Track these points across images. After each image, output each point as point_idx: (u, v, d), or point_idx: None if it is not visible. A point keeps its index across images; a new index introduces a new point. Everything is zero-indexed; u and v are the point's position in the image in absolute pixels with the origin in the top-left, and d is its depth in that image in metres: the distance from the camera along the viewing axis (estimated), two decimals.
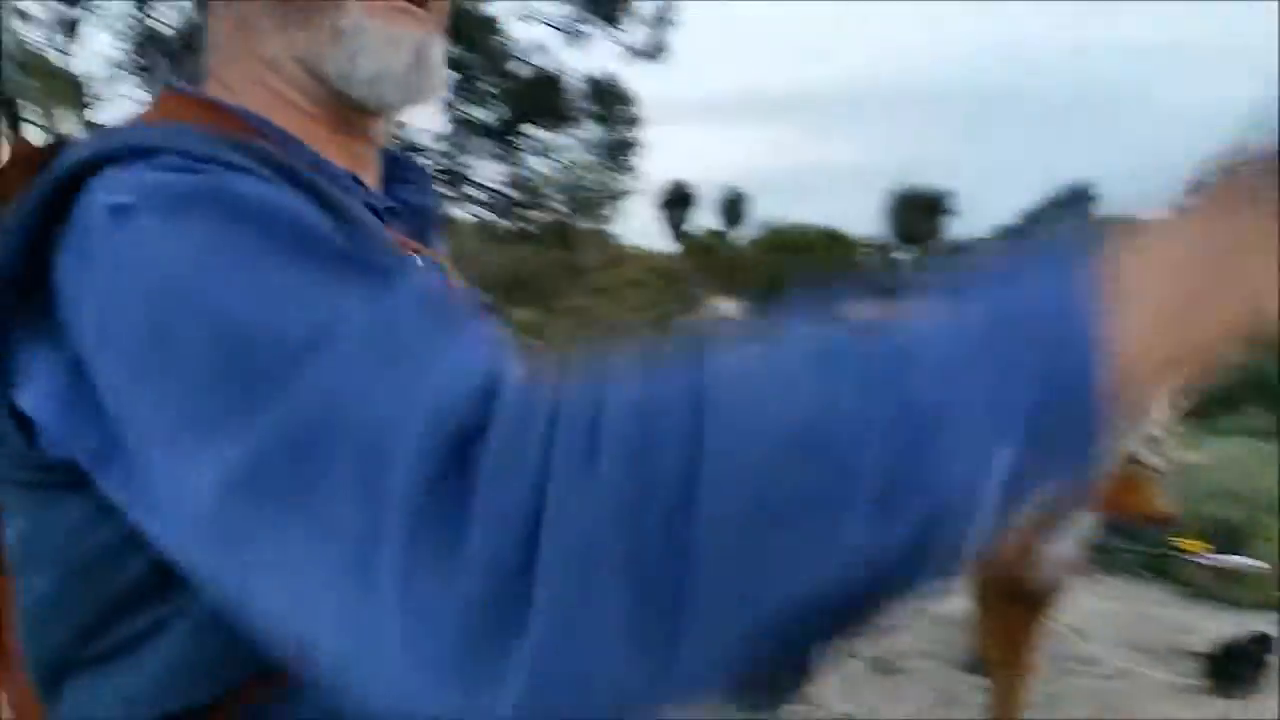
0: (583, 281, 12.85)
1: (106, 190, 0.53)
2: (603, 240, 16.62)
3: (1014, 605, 3.57)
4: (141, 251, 0.50)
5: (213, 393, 0.46)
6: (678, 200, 39.10)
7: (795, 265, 21.66)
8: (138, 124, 0.64)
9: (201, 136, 0.57)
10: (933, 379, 0.38)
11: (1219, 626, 4.44)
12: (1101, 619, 4.70)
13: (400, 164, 0.76)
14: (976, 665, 4.13)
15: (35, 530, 0.58)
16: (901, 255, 34.48)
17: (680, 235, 39.22)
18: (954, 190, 34.75)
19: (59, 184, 0.54)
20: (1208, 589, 4.90)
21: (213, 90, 0.67)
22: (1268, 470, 6.10)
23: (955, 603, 4.72)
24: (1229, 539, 5.04)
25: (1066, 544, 3.42)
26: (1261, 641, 3.95)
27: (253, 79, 0.67)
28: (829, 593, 0.38)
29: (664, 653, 0.38)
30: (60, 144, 0.59)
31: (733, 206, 39.22)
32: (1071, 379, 0.37)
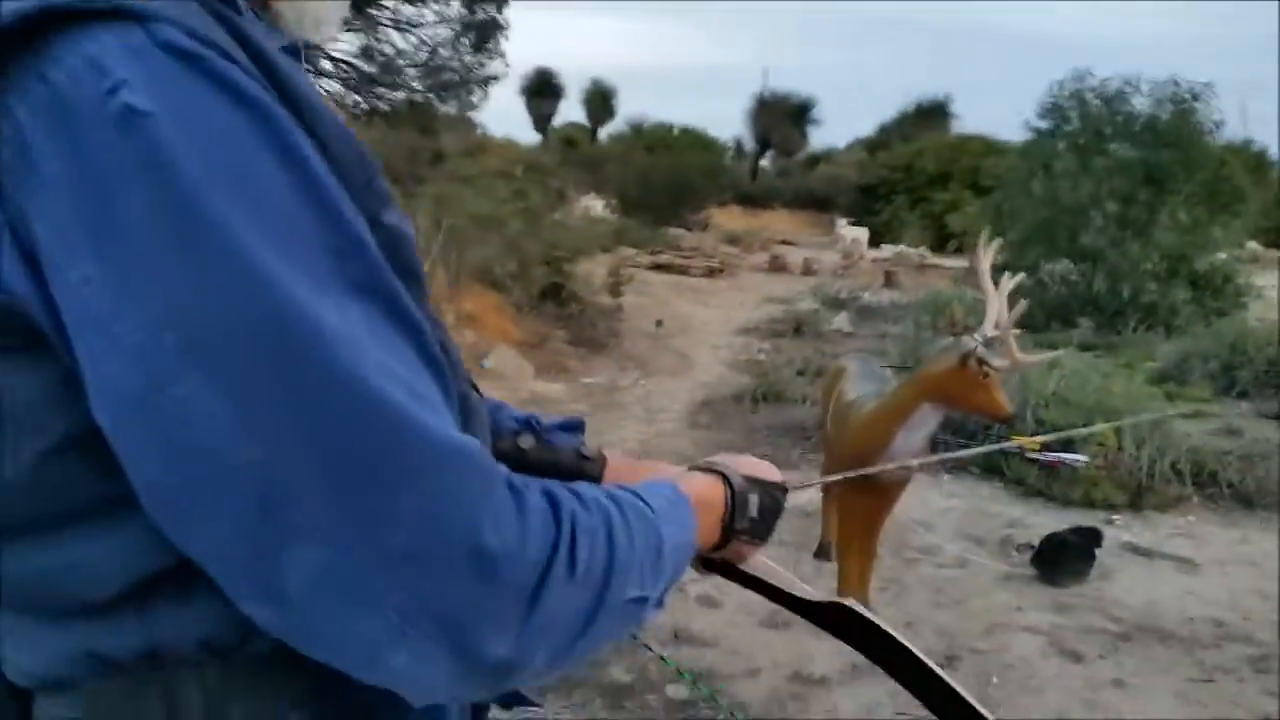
0: (443, 169, 12.37)
1: (99, 68, 0.52)
2: (464, 126, 16.05)
3: (862, 496, 3.69)
4: (164, 167, 0.51)
5: (227, 344, 0.52)
6: (543, 90, 38.10)
7: (659, 165, 21.50)
8: None
9: (189, 7, 0.56)
10: (661, 534, 0.70)
11: (1049, 521, 4.71)
12: (941, 513, 4.93)
13: None
14: (824, 552, 4.28)
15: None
16: (763, 160, 34.77)
17: (544, 127, 38.35)
18: (816, 98, 35.09)
19: (12, 28, 0.52)
20: (1038, 487, 5.19)
21: None
22: (1096, 378, 6.48)
23: (811, 495, 4.86)
24: (1063, 443, 5.32)
25: (914, 441, 3.53)
26: (1090, 534, 4.21)
27: None
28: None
29: (561, 656, 0.62)
30: None
31: (599, 100, 38.54)
32: (690, 532, 0.76)
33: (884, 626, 0.96)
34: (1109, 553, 4.34)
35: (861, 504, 3.69)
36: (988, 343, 3.41)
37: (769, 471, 0.93)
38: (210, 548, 0.54)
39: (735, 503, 0.86)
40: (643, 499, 0.70)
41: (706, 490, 0.84)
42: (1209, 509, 5.13)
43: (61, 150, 0.52)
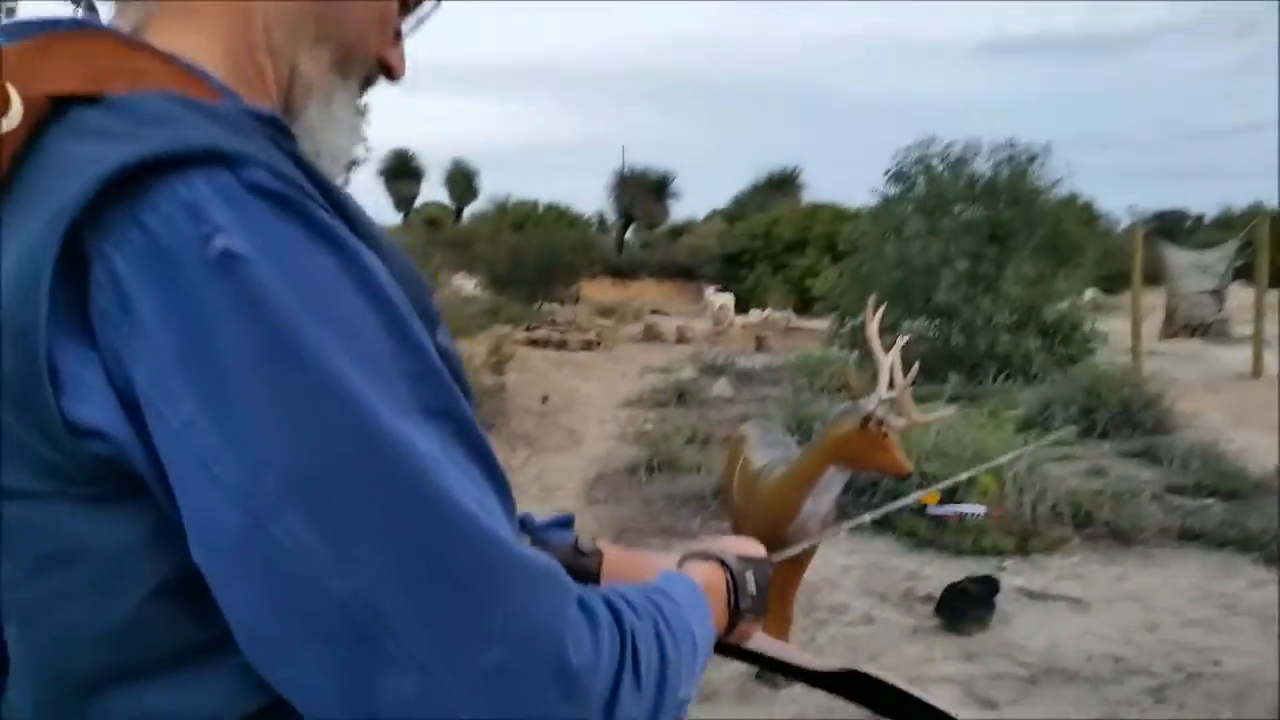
0: None
1: (196, 214, 0.54)
2: None
3: (777, 564, 3.74)
4: (263, 310, 0.53)
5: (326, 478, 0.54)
6: (403, 171, 37.92)
7: (528, 242, 21.62)
8: (111, 82, 0.60)
9: (263, 143, 0.58)
10: (693, 630, 0.73)
11: (945, 571, 4.87)
12: (843, 571, 5.03)
13: None
14: None
15: (81, 543, 0.57)
16: (627, 233, 35.40)
17: (406, 208, 38.09)
18: (674, 171, 36.08)
19: (113, 179, 0.53)
20: (929, 538, 5.36)
21: (177, 27, 0.68)
22: (971, 430, 6.78)
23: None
24: (948, 493, 5.54)
25: (823, 504, 3.63)
26: (987, 582, 4.37)
27: (242, 41, 0.69)
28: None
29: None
30: (64, 100, 0.58)
31: (461, 180, 38.60)
32: (710, 624, 0.80)
33: (900, 686, 0.99)
34: (1005, 598, 4.51)
35: (776, 571, 3.74)
36: (884, 404, 3.56)
37: (754, 547, 0.98)
38: (304, 679, 0.55)
39: (736, 585, 0.90)
40: (673, 598, 0.73)
41: (712, 578, 0.89)
42: (1090, 548, 5.40)
43: (160, 296, 0.53)
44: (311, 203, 0.57)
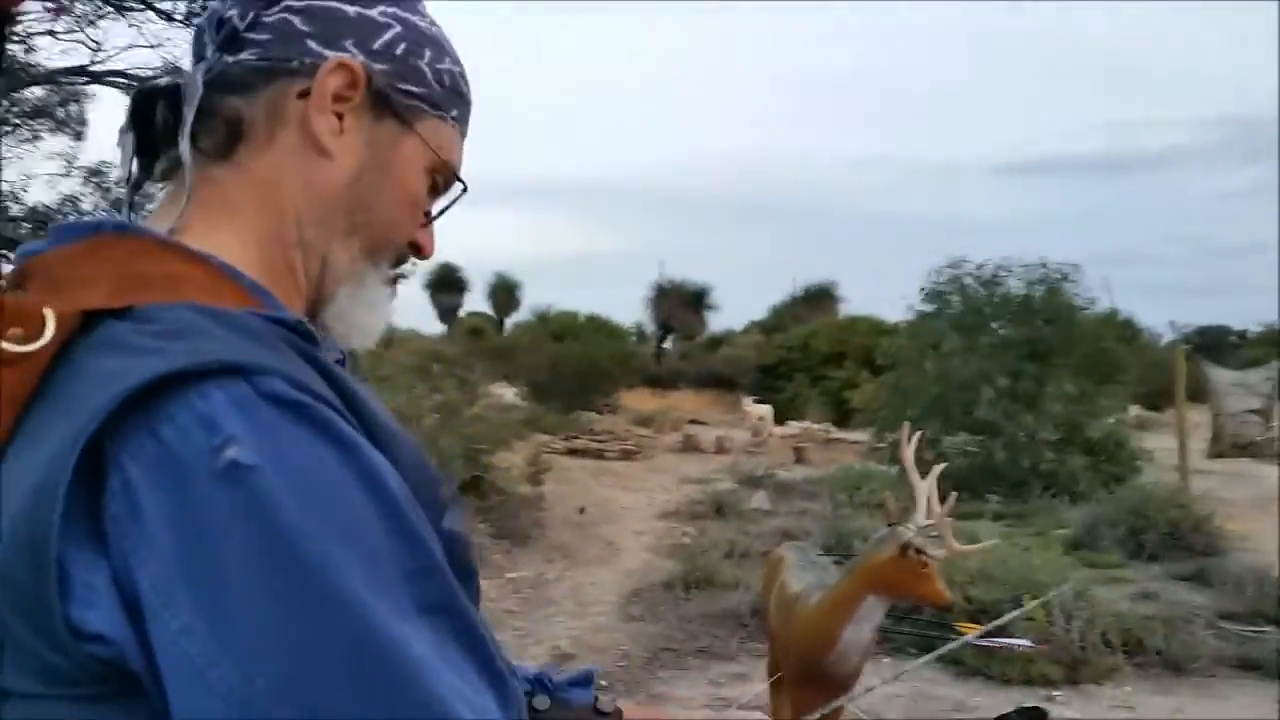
0: (354, 368, 12.30)
1: (209, 425, 0.56)
2: None
3: (816, 691, 3.67)
4: (265, 519, 0.55)
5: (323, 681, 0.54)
6: (447, 284, 38.79)
7: (568, 352, 21.85)
8: (153, 294, 0.64)
9: (283, 351, 0.62)
10: None
11: (992, 701, 4.73)
12: (886, 700, 4.90)
13: None
14: None
15: None
16: (666, 343, 35.67)
17: (449, 319, 38.79)
18: (712, 284, 36.48)
19: (134, 393, 0.56)
20: (977, 666, 5.22)
21: (211, 221, 0.73)
22: (1017, 552, 6.65)
23: (754, 690, 4.79)
24: (994, 619, 5.41)
25: (865, 632, 3.57)
26: (1036, 714, 4.22)
27: (273, 234, 0.75)
28: None
29: None
30: (93, 313, 0.62)
31: (503, 292, 39.35)
32: None
33: None
34: None
35: (818, 699, 3.66)
36: (922, 532, 3.52)
37: None
38: None
39: None
40: None
41: None
42: (1141, 677, 5.23)
43: (167, 504, 0.55)
44: (325, 407, 0.60)
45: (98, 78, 9.15)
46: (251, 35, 0.75)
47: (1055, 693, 4.98)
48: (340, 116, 0.75)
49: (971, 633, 4.53)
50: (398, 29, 0.78)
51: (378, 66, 0.76)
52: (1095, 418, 12.24)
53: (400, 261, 0.83)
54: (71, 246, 0.68)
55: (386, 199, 0.78)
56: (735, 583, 6.95)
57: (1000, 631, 5.17)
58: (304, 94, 0.74)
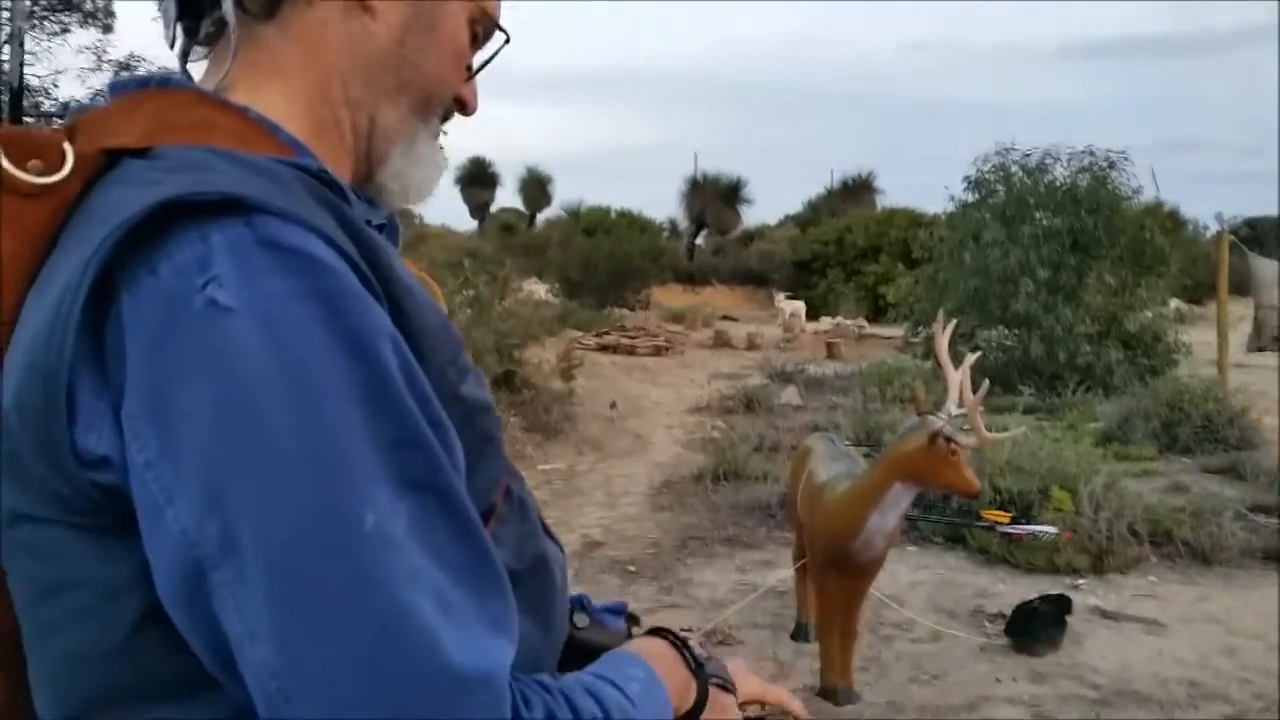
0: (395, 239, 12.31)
1: (201, 264, 0.56)
2: (405, 218, 16.09)
3: (842, 577, 3.72)
4: (231, 362, 0.55)
5: (266, 532, 0.54)
6: (479, 179, 38.48)
7: (600, 248, 21.75)
8: (181, 136, 0.65)
9: (301, 196, 0.61)
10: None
11: (1017, 589, 4.78)
12: (911, 587, 4.97)
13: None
14: (802, 634, 4.29)
15: (78, 570, 0.60)
16: (699, 239, 35.35)
17: (481, 215, 38.63)
18: (746, 177, 35.90)
19: (137, 223, 0.56)
20: (1001, 555, 5.26)
21: (254, 80, 0.73)
22: (1047, 444, 6.64)
23: (780, 575, 4.87)
24: (1022, 509, 5.44)
25: (890, 519, 3.60)
26: (1060, 601, 4.28)
27: (318, 93, 0.74)
28: None
29: None
30: (117, 151, 0.63)
31: (535, 187, 39.00)
32: (667, 712, 0.75)
33: None
34: (1078, 618, 4.41)
35: (841, 584, 3.72)
36: (952, 421, 3.51)
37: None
38: None
39: (695, 657, 0.82)
40: (623, 691, 0.70)
41: (663, 652, 0.81)
42: (1168, 568, 5.25)
43: (146, 337, 0.56)
44: (335, 256, 0.58)
45: None
46: None
47: (1080, 581, 5.02)
48: None
49: (1000, 521, 4.57)
50: None
51: None
52: (1134, 310, 12.05)
53: (446, 117, 0.83)
54: (117, 102, 0.70)
55: (433, 54, 0.78)
56: (764, 475, 7.02)
57: (1028, 516, 5.21)
58: None
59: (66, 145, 0.63)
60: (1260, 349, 11.94)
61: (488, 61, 0.85)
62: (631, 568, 5.34)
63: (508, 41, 0.84)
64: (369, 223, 0.69)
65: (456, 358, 0.67)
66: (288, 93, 0.73)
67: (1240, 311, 13.04)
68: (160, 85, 0.70)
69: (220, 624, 0.55)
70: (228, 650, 0.55)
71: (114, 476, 0.57)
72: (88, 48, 11.46)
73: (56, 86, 11.39)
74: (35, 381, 0.57)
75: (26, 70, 10.20)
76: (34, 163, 0.62)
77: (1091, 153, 12.73)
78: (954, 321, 4.05)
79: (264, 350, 0.55)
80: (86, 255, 0.57)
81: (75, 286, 0.56)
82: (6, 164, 0.61)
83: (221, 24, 0.73)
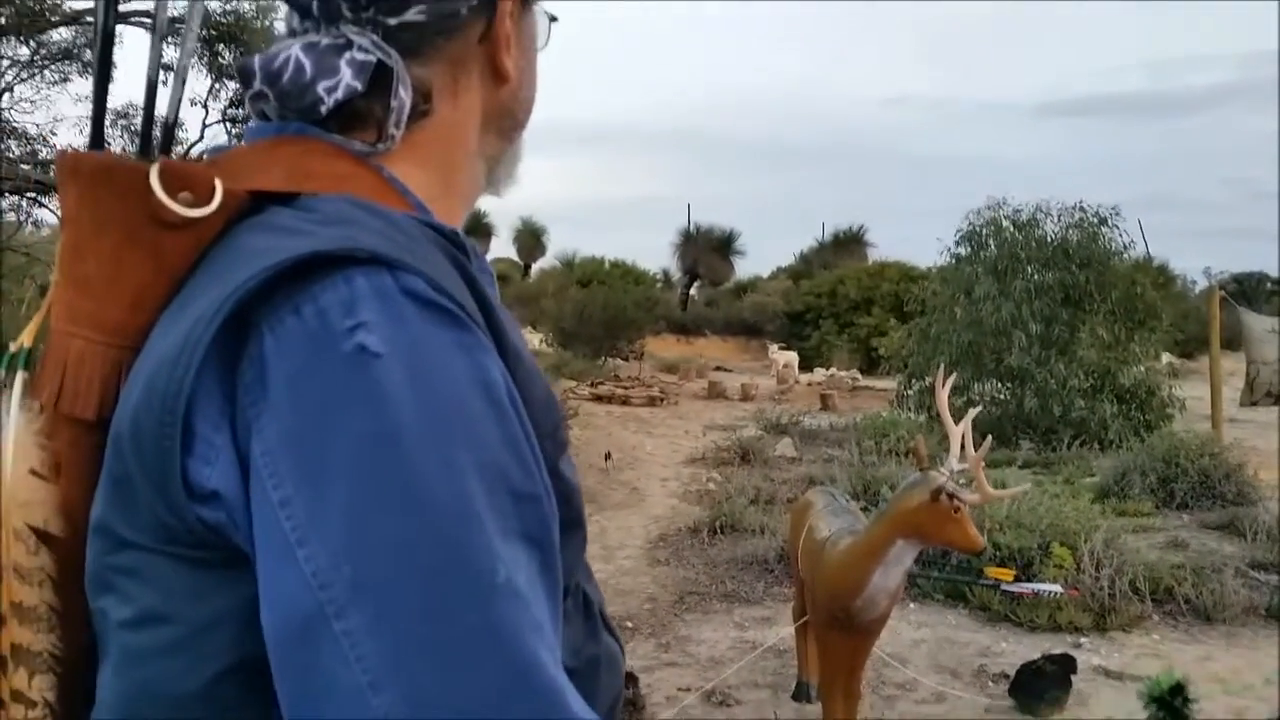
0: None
1: (346, 308, 0.57)
2: None
3: (845, 636, 3.67)
4: (380, 406, 0.55)
5: (396, 580, 0.53)
6: (473, 229, 38.67)
7: (594, 298, 21.81)
8: (319, 186, 0.67)
9: (434, 255, 0.62)
10: None
11: (1020, 648, 4.73)
12: (913, 645, 4.91)
13: None
14: (804, 694, 4.22)
15: (176, 604, 0.60)
16: (692, 289, 35.50)
17: None
18: (739, 229, 36.16)
19: (285, 269, 0.57)
20: (1004, 612, 5.21)
21: (399, 160, 0.73)
22: (1046, 499, 6.60)
23: (780, 633, 4.81)
24: (1023, 566, 5.40)
25: (894, 577, 3.55)
26: (1064, 661, 4.22)
27: (453, 164, 0.77)
28: None
29: None
30: (264, 196, 0.65)
31: (529, 237, 39.23)
32: None
33: None
34: (1082, 677, 4.36)
35: (843, 644, 3.66)
36: (954, 476, 3.49)
37: None
38: None
39: None
40: None
41: None
42: (1170, 626, 5.20)
43: (293, 376, 0.56)
44: (463, 315, 0.60)
45: (123, 18, 9.09)
46: None
47: (1083, 639, 4.97)
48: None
49: (1004, 579, 4.52)
50: None
51: None
52: (1127, 365, 12.09)
53: None
54: (255, 144, 0.71)
55: (533, 73, 0.82)
56: (761, 528, 6.96)
57: (1029, 579, 5.16)
58: (483, 37, 0.76)
59: (218, 181, 0.64)
60: (1253, 404, 11.98)
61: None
62: (629, 624, 5.27)
63: (555, 20, 0.86)
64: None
65: (556, 430, 0.68)
66: (423, 161, 0.75)
67: (1231, 366, 13.11)
68: (297, 133, 0.71)
69: (320, 676, 0.53)
70: (314, 705, 0.53)
71: (221, 514, 0.57)
72: (86, 96, 11.55)
73: (55, 135, 11.45)
74: (154, 407, 0.58)
75: (25, 118, 10.23)
76: (184, 194, 0.63)
77: (1082, 208, 12.88)
78: (953, 375, 4.04)
79: (413, 397, 0.56)
80: (226, 292, 0.58)
81: (209, 319, 0.57)
82: (160, 193, 0.62)
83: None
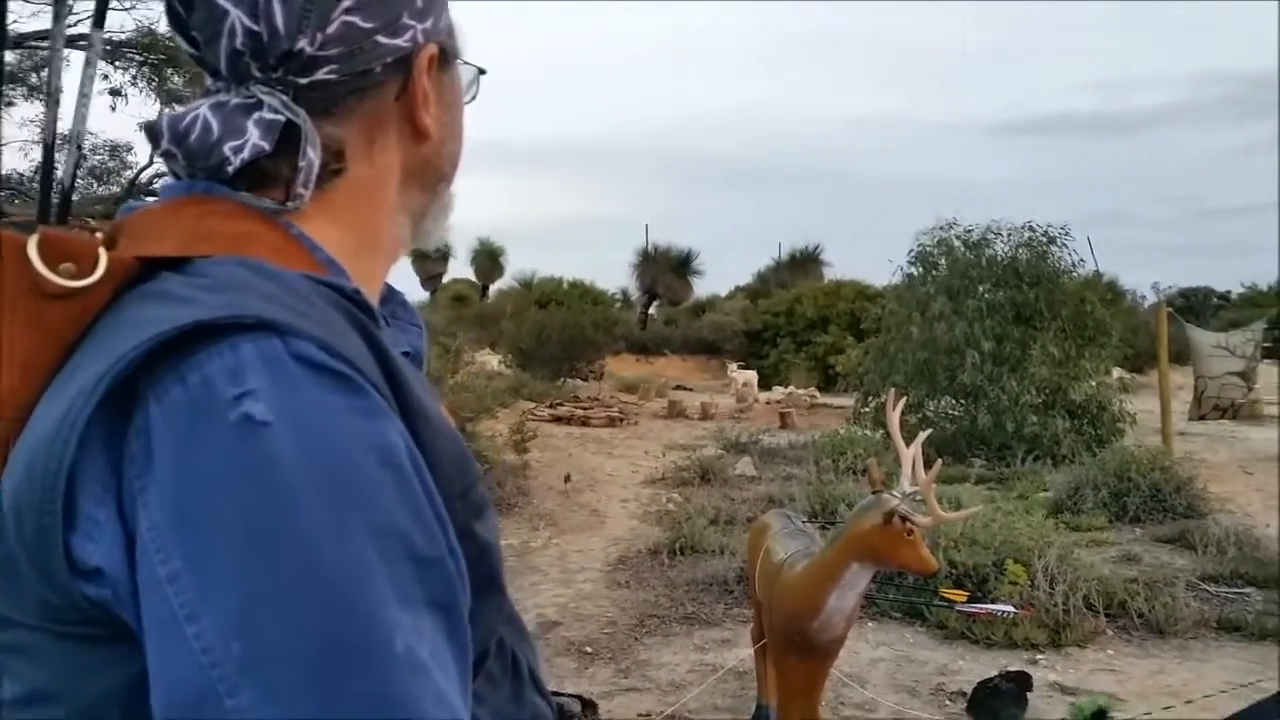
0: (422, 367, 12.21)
1: (234, 377, 0.56)
2: None
3: (802, 658, 3.66)
4: (267, 476, 0.54)
5: (292, 656, 0.52)
6: (425, 255, 38.50)
7: (553, 319, 21.77)
8: (218, 246, 0.66)
9: (330, 317, 0.62)
10: None
11: (976, 666, 4.76)
12: (871, 664, 4.92)
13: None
14: (763, 717, 4.20)
15: (63, 682, 0.59)
16: (651, 309, 35.58)
17: (432, 286, 38.57)
18: (697, 249, 36.34)
19: (169, 339, 0.56)
20: (960, 629, 5.25)
21: (312, 218, 0.72)
22: (1000, 516, 6.67)
23: (739, 655, 4.80)
24: (978, 583, 5.44)
25: (849, 599, 3.56)
26: (1020, 678, 4.26)
27: (370, 220, 0.76)
28: None
29: None
30: (154, 261, 0.63)
31: (487, 258, 39.10)
32: None
33: None
34: (1038, 694, 4.39)
35: (801, 666, 3.66)
36: (907, 499, 3.51)
37: None
38: None
39: None
40: None
41: None
42: (1124, 641, 5.27)
43: (177, 448, 0.55)
44: (359, 377, 0.58)
45: (69, 41, 8.94)
46: (321, 53, 0.71)
47: (1039, 655, 5.01)
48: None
49: (958, 600, 4.56)
50: None
51: (437, 27, 0.77)
52: (1078, 381, 12.29)
53: None
54: (165, 204, 0.70)
55: (458, 128, 0.82)
56: (721, 549, 6.96)
57: (984, 597, 5.21)
58: (399, 95, 0.75)
59: (101, 251, 0.63)
60: (1201, 418, 12.23)
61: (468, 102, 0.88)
62: (589, 649, 5.23)
63: (482, 73, 0.86)
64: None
65: (469, 490, 0.66)
66: (337, 219, 0.74)
67: (1180, 380, 13.38)
68: (205, 192, 0.70)
69: None
70: None
71: (105, 590, 0.56)
72: (31, 120, 11.35)
73: None
74: (34, 485, 0.57)
75: None
76: (66, 265, 0.62)
77: (1031, 228, 13.10)
78: (904, 398, 4.07)
79: (302, 465, 0.54)
80: (108, 364, 0.56)
81: (89, 392, 0.56)
82: (39, 264, 0.61)
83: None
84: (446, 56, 0.79)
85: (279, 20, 0.69)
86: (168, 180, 0.73)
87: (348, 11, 0.71)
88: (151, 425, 0.55)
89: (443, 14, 0.79)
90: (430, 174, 0.80)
